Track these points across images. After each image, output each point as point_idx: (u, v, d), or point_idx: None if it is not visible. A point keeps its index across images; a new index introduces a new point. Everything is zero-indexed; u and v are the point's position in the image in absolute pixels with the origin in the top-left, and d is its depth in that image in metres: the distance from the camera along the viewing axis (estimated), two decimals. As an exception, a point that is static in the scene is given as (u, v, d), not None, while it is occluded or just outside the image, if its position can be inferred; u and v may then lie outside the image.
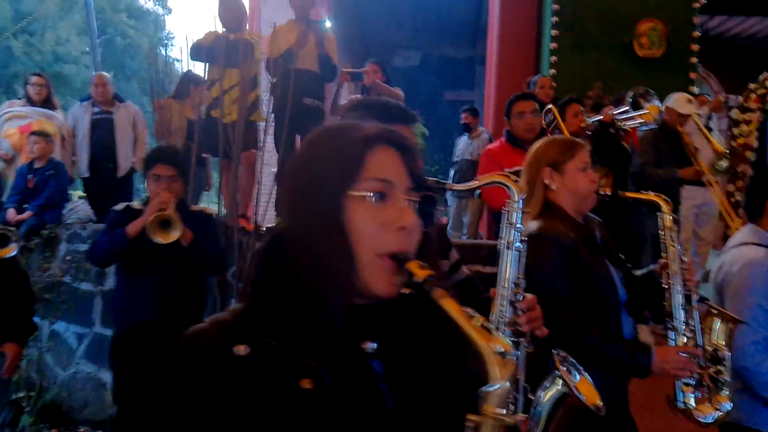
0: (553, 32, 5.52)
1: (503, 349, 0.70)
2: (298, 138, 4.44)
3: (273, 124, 4.40)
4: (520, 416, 0.71)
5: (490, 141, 5.49)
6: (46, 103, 5.14)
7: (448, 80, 8.91)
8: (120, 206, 2.89)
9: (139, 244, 2.67)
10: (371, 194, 0.78)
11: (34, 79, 5.18)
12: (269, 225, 4.30)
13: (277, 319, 0.79)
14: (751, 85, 5.52)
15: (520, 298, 1.41)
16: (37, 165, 4.41)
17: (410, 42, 8.70)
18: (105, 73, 5.33)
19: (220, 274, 3.59)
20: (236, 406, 0.74)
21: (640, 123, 3.90)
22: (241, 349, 0.76)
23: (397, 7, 7.87)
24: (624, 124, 3.89)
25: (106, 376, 4.11)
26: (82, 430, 3.96)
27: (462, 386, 0.78)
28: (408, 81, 9.05)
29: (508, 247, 1.47)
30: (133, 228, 2.67)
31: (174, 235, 2.67)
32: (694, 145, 4.15)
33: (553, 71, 5.53)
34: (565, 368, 1.15)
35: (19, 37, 17.01)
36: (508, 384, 0.68)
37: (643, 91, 3.93)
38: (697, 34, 5.42)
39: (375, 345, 0.80)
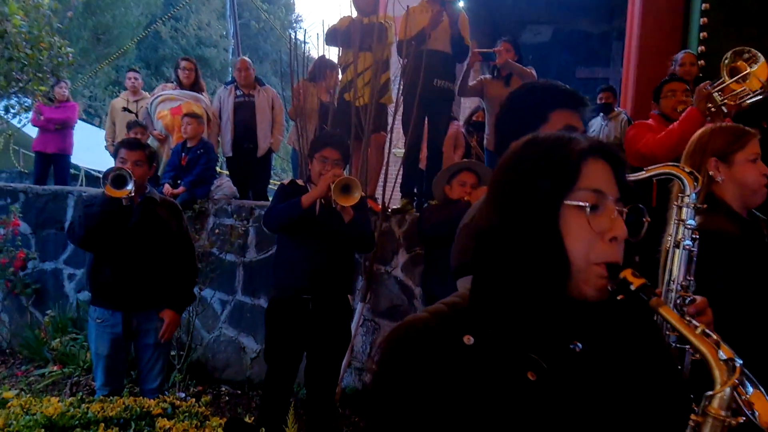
0: (704, 6, 5.04)
1: (727, 356, 0.73)
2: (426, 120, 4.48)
3: (402, 106, 4.47)
4: (741, 418, 0.73)
5: (629, 123, 5.18)
6: (194, 86, 5.55)
7: (581, 57, 8.47)
8: (286, 181, 3.17)
9: (308, 216, 2.88)
10: (586, 204, 0.82)
11: (183, 63, 5.61)
12: (396, 206, 4.40)
13: (495, 313, 0.85)
14: None
15: (689, 302, 1.34)
16: (189, 144, 4.81)
17: (541, 16, 8.36)
18: (247, 58, 5.66)
19: (369, 252, 3.78)
20: (466, 393, 0.81)
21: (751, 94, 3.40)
22: (470, 339, 0.83)
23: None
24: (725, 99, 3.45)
25: (246, 341, 4.46)
26: (223, 390, 4.34)
27: (666, 389, 0.84)
28: (538, 58, 8.71)
29: (676, 246, 1.40)
30: (307, 198, 2.89)
31: (356, 197, 2.88)
32: None
33: (702, 48, 5.07)
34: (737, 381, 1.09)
35: (167, 23, 18.47)
36: (731, 389, 0.72)
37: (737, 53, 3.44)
38: None
39: (581, 345, 0.85)
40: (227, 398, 4.22)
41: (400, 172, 4.50)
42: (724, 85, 3.10)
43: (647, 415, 0.84)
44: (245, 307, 4.51)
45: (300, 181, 3.14)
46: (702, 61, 5.05)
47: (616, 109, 5.90)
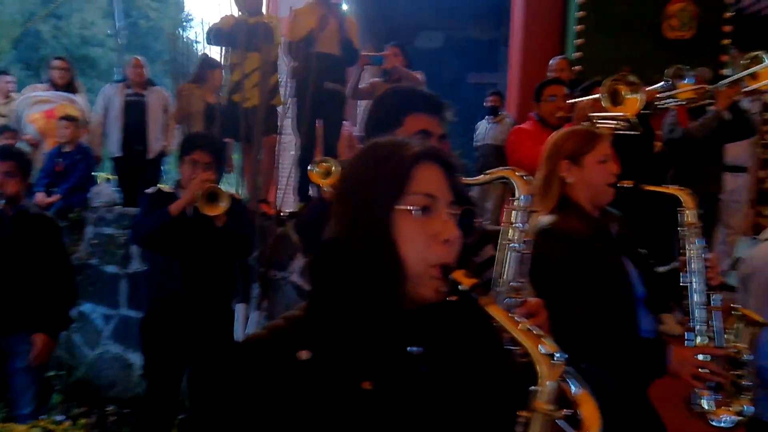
0: (579, 13, 5.39)
1: (551, 351, 0.75)
2: (319, 123, 4.45)
3: (293, 108, 4.41)
4: (566, 410, 0.75)
5: (513, 126, 5.41)
6: (69, 86, 5.20)
7: (472, 62, 8.80)
8: (151, 189, 2.99)
9: (177, 225, 2.75)
10: (416, 208, 0.83)
11: (56, 63, 5.25)
12: (290, 210, 4.33)
13: (333, 324, 0.84)
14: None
15: (520, 303, 1.37)
16: (66, 149, 4.49)
17: (433, 23, 8.59)
18: (141, 57, 5.38)
19: (245, 258, 3.66)
20: (301, 410, 0.79)
21: (683, 101, 3.70)
22: (304, 354, 0.82)
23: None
24: (663, 104, 3.74)
25: (133, 357, 4.21)
26: (109, 409, 4.07)
27: (503, 387, 0.86)
28: (431, 63, 8.95)
29: (507, 249, 1.41)
30: (175, 207, 2.75)
31: (223, 206, 2.77)
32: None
33: (579, 54, 5.41)
34: (562, 380, 1.13)
35: (48, 21, 17.23)
36: (556, 383, 0.74)
37: (677, 70, 3.78)
38: (729, 14, 5.25)
39: (420, 349, 0.86)
40: (114, 418, 3.98)
41: (294, 175, 4.44)
42: (606, 114, 3.16)
43: (485, 416, 0.85)
44: (131, 321, 4.25)
45: (167, 188, 2.99)
46: (579, 67, 5.38)
47: (502, 113, 6.17)
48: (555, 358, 0.75)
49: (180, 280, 2.79)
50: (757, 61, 3.36)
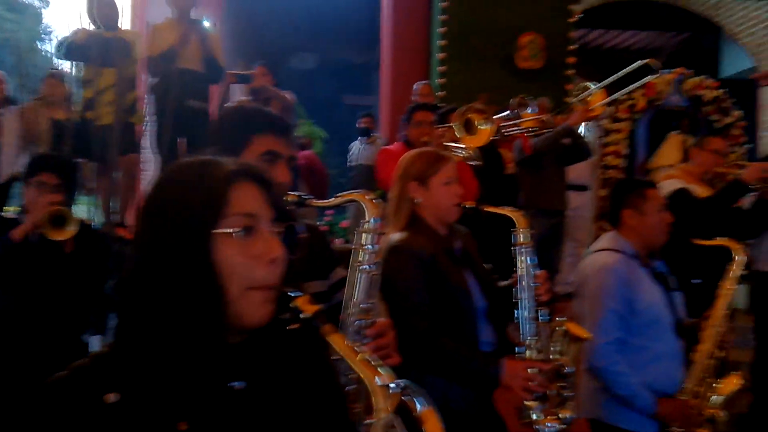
0: (441, 42, 5.69)
1: (387, 382, 0.75)
2: (182, 141, 4.31)
3: (153, 126, 4.24)
4: None
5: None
6: None
7: (347, 84, 8.96)
8: None
9: (20, 251, 2.52)
10: (237, 230, 0.79)
11: None
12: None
13: (144, 361, 0.78)
14: (621, 96, 5.95)
15: (369, 324, 1.39)
16: None
17: (307, 45, 8.68)
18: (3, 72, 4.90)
19: (99, 286, 3.42)
20: None
21: (525, 129, 4.02)
22: (111, 397, 0.75)
23: (293, 10, 7.81)
24: (509, 131, 4.03)
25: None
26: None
27: (338, 418, 0.84)
28: (306, 84, 9.01)
29: (358, 270, 1.43)
30: (17, 232, 2.51)
31: (71, 231, 2.56)
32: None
33: (442, 80, 5.70)
34: (408, 398, 1.17)
35: None
36: (391, 415, 0.73)
37: (521, 100, 4.09)
38: (573, 47, 5.77)
39: (243, 384, 0.81)
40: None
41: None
42: (454, 144, 3.30)
43: None
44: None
45: (9, 213, 2.77)
46: (443, 92, 5.67)
47: (374, 134, 6.33)
48: (391, 389, 0.75)
49: (23, 309, 2.56)
50: (588, 91, 3.75)
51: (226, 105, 4.50)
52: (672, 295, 2.31)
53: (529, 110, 3.80)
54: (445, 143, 3.12)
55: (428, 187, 1.95)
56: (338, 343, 0.79)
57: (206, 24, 4.55)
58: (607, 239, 2.40)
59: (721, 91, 6.05)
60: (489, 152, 4.06)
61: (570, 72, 5.79)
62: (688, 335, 2.28)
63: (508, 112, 3.75)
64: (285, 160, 1.46)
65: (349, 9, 7.66)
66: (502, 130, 3.71)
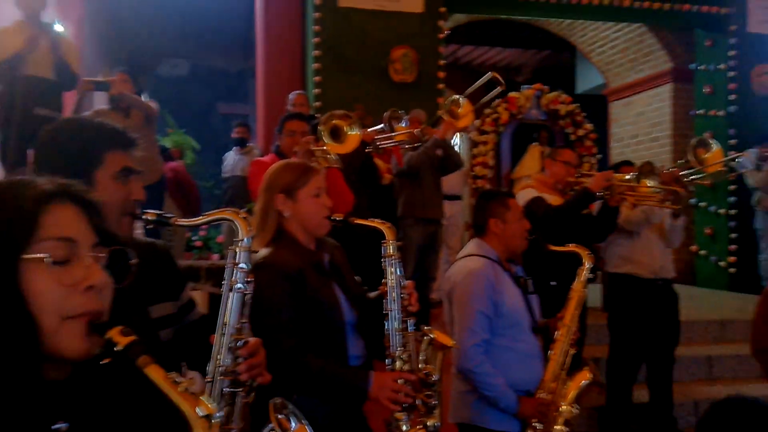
0: (315, 53, 5.68)
1: (208, 413, 0.74)
2: (31, 153, 3.94)
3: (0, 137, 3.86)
4: None
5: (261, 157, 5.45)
6: None
7: (222, 92, 8.70)
8: None
9: None
10: (50, 256, 0.74)
11: None
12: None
13: None
14: (486, 110, 6.30)
15: (241, 344, 1.33)
16: None
17: (177, 50, 8.32)
18: None
19: None
20: None
21: (399, 142, 4.12)
22: None
23: (163, 14, 7.46)
24: (383, 144, 4.10)
25: None
26: None
27: None
28: (177, 92, 8.63)
29: (230, 290, 1.38)
30: None
31: None
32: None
33: (317, 90, 5.69)
34: (283, 416, 1.13)
35: None
36: None
37: (393, 113, 4.19)
38: (442, 62, 6.01)
39: (66, 425, 0.76)
40: None
41: None
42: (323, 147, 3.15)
43: None
44: None
45: None
46: (318, 103, 5.66)
47: (250, 144, 6.19)
48: (213, 420, 0.74)
49: None
50: (455, 103, 3.92)
51: (59, 121, 4.19)
52: (530, 297, 2.45)
53: (403, 123, 3.89)
54: (311, 150, 3.08)
55: (296, 199, 1.90)
56: (156, 375, 0.76)
57: (58, 27, 4.20)
58: (472, 246, 2.50)
59: (574, 105, 6.58)
60: (364, 164, 4.13)
61: (441, 86, 6.01)
62: (544, 335, 2.43)
63: (381, 125, 3.81)
64: (137, 177, 1.38)
65: (224, 15, 7.46)
66: (377, 143, 3.77)
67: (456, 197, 5.54)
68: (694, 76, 6.86)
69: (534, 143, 6.40)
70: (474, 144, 6.32)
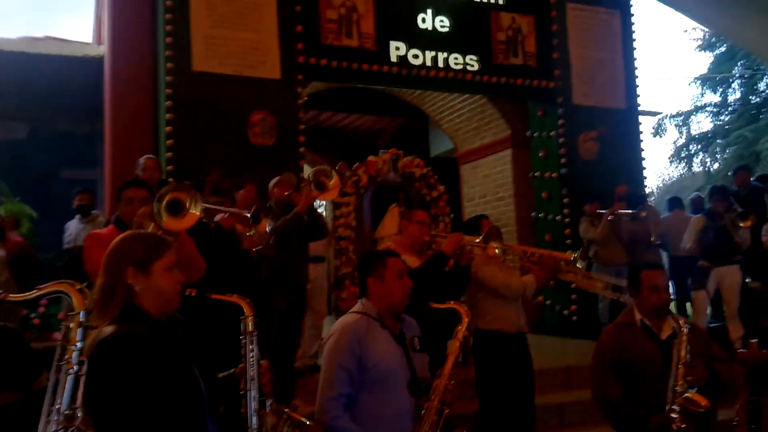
0: (168, 116, 5.53)
1: None
2: None
3: None
4: None
5: (107, 226, 5.09)
6: None
7: (66, 157, 8.11)
8: None
9: None
10: None
11: None
12: None
13: None
14: (347, 173, 6.46)
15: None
16: None
17: (15, 113, 7.70)
18: None
19: None
20: None
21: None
22: None
23: (-4, 73, 6.89)
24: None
25: None
26: None
27: None
28: (14, 156, 7.93)
29: (59, 370, 1.26)
30: None
31: None
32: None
33: (170, 154, 5.50)
34: None
35: None
36: None
37: (322, 170, 4.21)
38: (302, 126, 6.11)
39: None
40: None
41: None
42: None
43: None
44: None
45: None
46: (171, 167, 5.46)
47: (95, 212, 5.78)
48: None
49: None
50: (326, 174, 4.07)
51: None
52: (415, 355, 2.50)
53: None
54: (145, 220, 2.89)
55: (149, 273, 1.79)
56: None
57: None
58: (356, 305, 2.59)
59: (427, 168, 6.96)
60: (218, 231, 4.01)
61: (301, 149, 6.09)
62: (427, 392, 2.44)
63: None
64: None
65: (70, 77, 7.05)
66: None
67: (320, 259, 5.54)
68: (530, 142, 7.59)
69: (393, 204, 6.64)
70: (336, 205, 6.42)
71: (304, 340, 5.13)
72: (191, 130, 5.57)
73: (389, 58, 6.47)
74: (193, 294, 1.99)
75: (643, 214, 6.09)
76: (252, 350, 1.94)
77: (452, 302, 2.70)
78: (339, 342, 2.41)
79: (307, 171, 5.76)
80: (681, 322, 2.63)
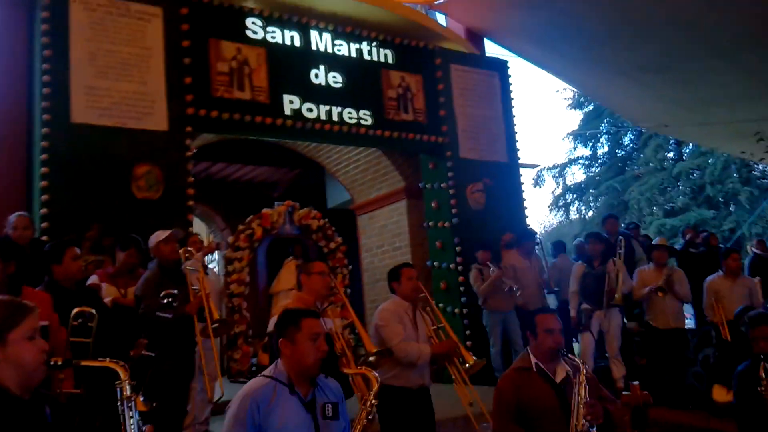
0: (44, 170, 5.15)
1: None
2: None
3: None
4: None
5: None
6: None
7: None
8: None
9: None
10: None
11: None
12: None
13: None
14: (240, 226, 6.30)
15: None
16: None
17: None
18: None
19: None
20: None
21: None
22: None
23: None
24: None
25: None
26: None
27: None
28: None
29: None
30: None
31: None
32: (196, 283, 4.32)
33: (45, 210, 5.10)
34: None
35: None
36: None
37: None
38: (191, 179, 5.90)
39: None
40: None
41: None
42: None
43: None
44: None
45: None
46: (46, 223, 5.05)
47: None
48: None
49: None
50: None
51: None
52: (326, 423, 2.38)
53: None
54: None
55: (6, 343, 1.63)
56: None
57: None
58: (271, 366, 2.48)
59: (324, 220, 6.96)
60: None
61: (190, 203, 5.87)
62: None
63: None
64: None
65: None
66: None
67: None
68: (423, 193, 7.84)
69: (289, 257, 6.53)
70: (229, 260, 6.20)
71: (193, 405, 4.81)
72: (70, 185, 5.21)
73: (283, 110, 6.48)
74: (59, 363, 1.82)
75: (518, 294, 6.34)
76: (131, 416, 1.79)
77: (363, 368, 2.66)
78: (238, 410, 2.30)
79: (198, 225, 5.57)
80: (579, 361, 2.76)
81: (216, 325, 4.15)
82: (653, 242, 6.89)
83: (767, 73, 7.20)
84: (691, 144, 18.35)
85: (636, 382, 2.94)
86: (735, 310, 5.43)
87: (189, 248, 4.74)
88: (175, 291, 3.95)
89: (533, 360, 2.95)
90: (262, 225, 6.37)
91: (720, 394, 4.10)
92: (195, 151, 6.02)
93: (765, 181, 16.06)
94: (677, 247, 8.29)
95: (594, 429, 2.59)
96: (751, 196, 17.04)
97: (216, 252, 6.44)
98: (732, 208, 18.17)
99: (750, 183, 17.46)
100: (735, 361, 3.76)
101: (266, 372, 2.45)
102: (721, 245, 8.43)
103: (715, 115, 8.95)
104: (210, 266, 6.13)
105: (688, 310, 6.44)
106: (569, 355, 2.90)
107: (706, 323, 6.22)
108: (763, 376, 2.99)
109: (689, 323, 7.22)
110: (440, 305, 7.18)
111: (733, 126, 8.81)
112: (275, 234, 6.65)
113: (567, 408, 2.70)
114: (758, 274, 6.32)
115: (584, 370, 2.71)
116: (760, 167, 13.05)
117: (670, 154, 20.25)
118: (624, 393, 2.98)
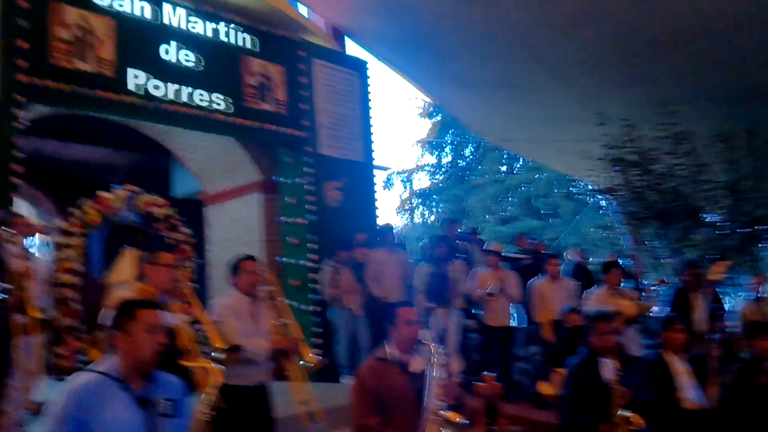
0: None
1: None
2: None
3: None
4: None
5: None
6: None
7: None
8: None
9: None
10: None
11: None
12: None
13: None
14: (73, 210, 5.70)
15: None
16: None
17: None
18: None
19: None
20: None
21: None
22: None
23: None
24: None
25: None
26: None
27: None
28: None
29: None
30: None
31: None
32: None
33: None
34: None
35: None
36: None
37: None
38: (19, 154, 5.24)
39: None
40: None
41: None
42: None
43: None
44: None
45: None
46: None
47: None
48: None
49: None
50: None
51: None
52: (162, 420, 2.25)
53: None
54: None
55: None
56: None
57: None
58: (101, 360, 2.35)
59: (170, 209, 6.51)
60: None
61: (17, 180, 5.21)
62: None
63: None
64: None
65: None
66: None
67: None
68: (279, 187, 7.70)
69: (128, 247, 6.01)
70: (58, 247, 5.58)
71: (9, 406, 4.29)
72: None
73: (127, 86, 5.99)
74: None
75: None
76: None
77: (203, 360, 2.54)
78: (57, 408, 2.16)
79: (26, 210, 4.98)
80: (434, 346, 2.90)
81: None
82: (484, 247, 7.44)
83: (597, 98, 8.10)
84: (521, 159, 20.17)
85: (492, 374, 3.16)
86: (557, 309, 6.03)
87: (10, 229, 4.22)
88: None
89: (390, 351, 3.06)
90: (98, 209, 5.78)
91: (545, 388, 4.55)
92: (28, 125, 5.35)
93: (582, 196, 18.04)
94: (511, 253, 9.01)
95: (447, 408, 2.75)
96: (571, 209, 19.11)
97: (44, 236, 5.78)
98: (553, 220, 20.20)
99: (571, 197, 19.55)
100: (560, 357, 4.20)
101: (93, 366, 2.33)
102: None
103: (547, 133, 9.89)
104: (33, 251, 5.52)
105: (512, 309, 7.02)
106: (425, 342, 3.04)
107: (533, 322, 6.84)
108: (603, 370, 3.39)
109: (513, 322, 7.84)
110: (291, 302, 7.12)
111: (562, 144, 9.79)
112: (114, 221, 6.08)
113: (422, 397, 2.83)
114: (578, 279, 7.11)
115: (439, 350, 2.88)
116: (581, 184, 14.66)
117: (504, 168, 22.09)
118: (479, 384, 3.18)
